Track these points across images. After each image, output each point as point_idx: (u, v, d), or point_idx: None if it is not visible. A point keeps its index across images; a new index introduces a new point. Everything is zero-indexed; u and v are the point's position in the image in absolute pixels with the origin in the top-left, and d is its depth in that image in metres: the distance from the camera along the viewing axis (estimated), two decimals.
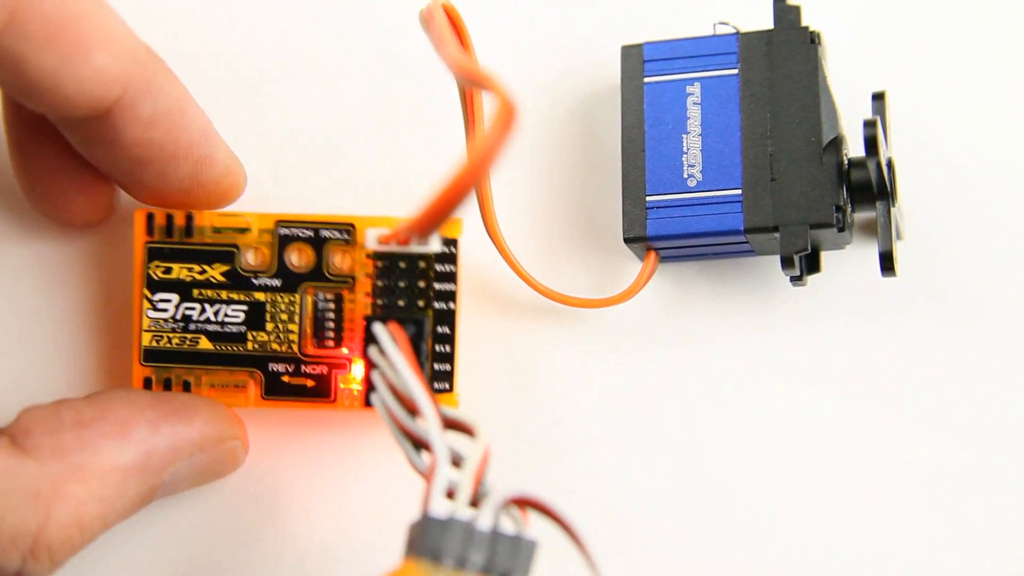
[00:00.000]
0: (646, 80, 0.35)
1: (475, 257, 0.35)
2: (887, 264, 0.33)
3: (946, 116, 0.36)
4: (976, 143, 0.36)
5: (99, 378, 0.35)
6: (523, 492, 0.27)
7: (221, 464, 0.33)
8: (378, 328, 0.31)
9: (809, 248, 0.33)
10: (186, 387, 0.32)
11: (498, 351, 0.36)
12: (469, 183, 0.24)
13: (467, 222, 0.35)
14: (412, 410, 0.29)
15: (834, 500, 0.34)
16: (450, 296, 0.32)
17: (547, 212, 0.36)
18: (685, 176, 0.34)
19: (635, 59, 0.35)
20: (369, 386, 0.30)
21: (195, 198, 0.32)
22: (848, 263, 0.35)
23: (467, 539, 0.26)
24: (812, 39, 0.34)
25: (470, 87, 0.32)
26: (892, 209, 0.33)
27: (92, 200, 0.33)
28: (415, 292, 0.32)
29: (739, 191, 0.33)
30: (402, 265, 0.32)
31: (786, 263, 0.33)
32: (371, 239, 0.31)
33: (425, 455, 0.28)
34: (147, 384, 0.33)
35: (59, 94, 0.28)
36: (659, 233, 0.34)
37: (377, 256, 0.32)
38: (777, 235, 0.33)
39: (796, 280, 0.33)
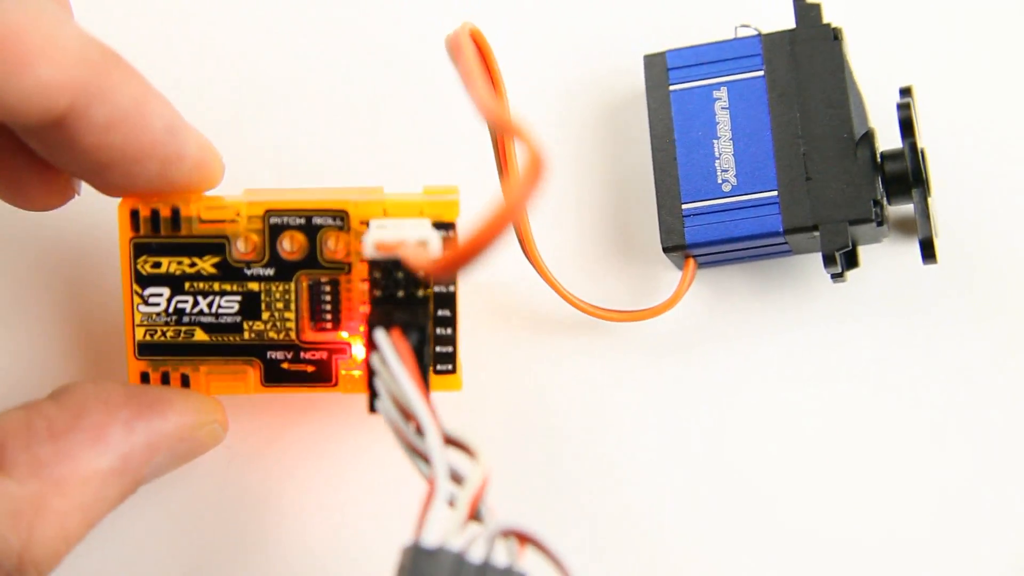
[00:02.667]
0: (671, 88, 0.34)
1: (509, 272, 0.35)
2: (928, 251, 0.33)
3: (971, 108, 0.36)
4: (1004, 135, 0.36)
5: (94, 371, 0.35)
6: (515, 525, 0.26)
7: (201, 447, 0.33)
8: (380, 336, 0.29)
9: (850, 245, 0.33)
10: (184, 379, 0.32)
11: (532, 366, 0.35)
12: (498, 231, 0.24)
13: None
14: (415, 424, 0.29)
15: (884, 499, 0.34)
16: (450, 278, 0.31)
17: (578, 224, 0.36)
18: (719, 181, 0.34)
19: (659, 68, 0.35)
20: (372, 392, 0.29)
21: (167, 192, 0.31)
22: (885, 256, 0.35)
23: (456, 570, 0.26)
24: (835, 35, 0.34)
25: (499, 133, 0.32)
26: (928, 200, 0.33)
27: (50, 185, 0.32)
28: (414, 280, 0.31)
29: (775, 192, 0.33)
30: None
31: (828, 261, 0.33)
32: (369, 246, 0.30)
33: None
34: (144, 378, 0.32)
35: (4, 108, 0.27)
36: (697, 240, 0.34)
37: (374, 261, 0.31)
38: (816, 234, 0.33)
39: (837, 277, 0.33)
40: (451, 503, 0.27)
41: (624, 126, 0.37)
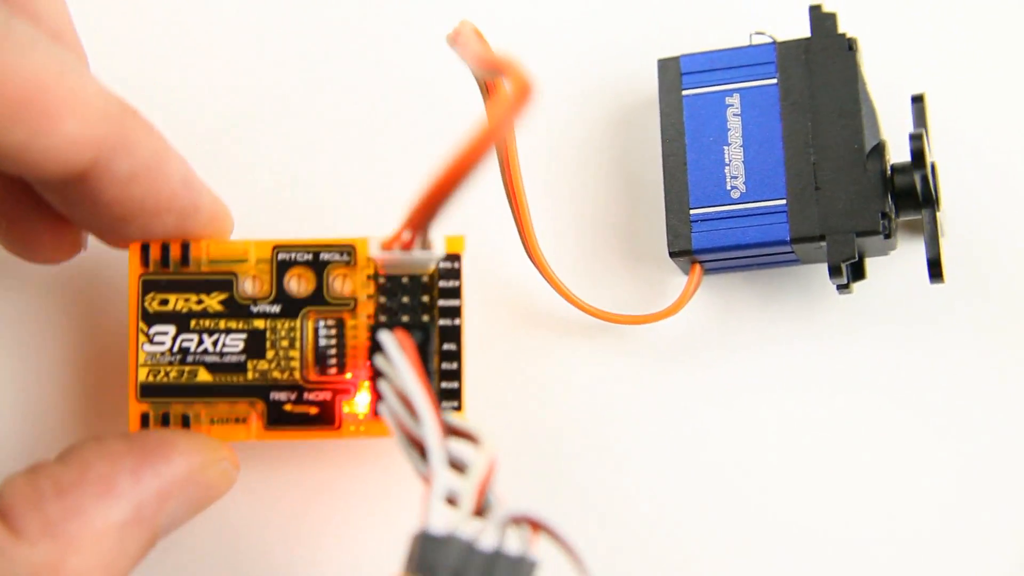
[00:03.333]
0: (684, 93, 0.34)
1: (514, 275, 0.35)
2: (935, 271, 0.33)
3: (983, 117, 0.36)
4: (1014, 144, 0.36)
5: (94, 416, 0.35)
6: (525, 511, 0.26)
7: (214, 489, 0.32)
8: (384, 335, 0.30)
9: (856, 256, 0.33)
10: (184, 421, 0.32)
11: (538, 369, 0.35)
12: (472, 161, 0.23)
13: (506, 239, 0.35)
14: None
15: (888, 510, 0.34)
16: (455, 312, 0.31)
17: (585, 227, 0.36)
18: (728, 188, 0.34)
19: (672, 72, 0.35)
20: (377, 396, 0.30)
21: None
22: (892, 268, 0.35)
23: (464, 557, 0.25)
24: (850, 46, 0.34)
25: (489, 77, 0.31)
26: (938, 215, 0.33)
27: (59, 239, 0.33)
28: (419, 309, 0.31)
29: (783, 201, 0.33)
30: (405, 281, 0.32)
31: (833, 272, 0.33)
32: (373, 246, 0.29)
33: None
34: (144, 421, 0.32)
35: (28, 164, 0.27)
36: (704, 246, 0.34)
37: (379, 276, 0.31)
38: (823, 244, 0.33)
39: (843, 288, 0.33)
40: (456, 493, 0.26)
41: (635, 130, 0.37)
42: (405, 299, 0.31)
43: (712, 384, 0.35)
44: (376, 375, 0.30)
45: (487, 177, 0.33)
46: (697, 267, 0.34)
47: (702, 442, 0.35)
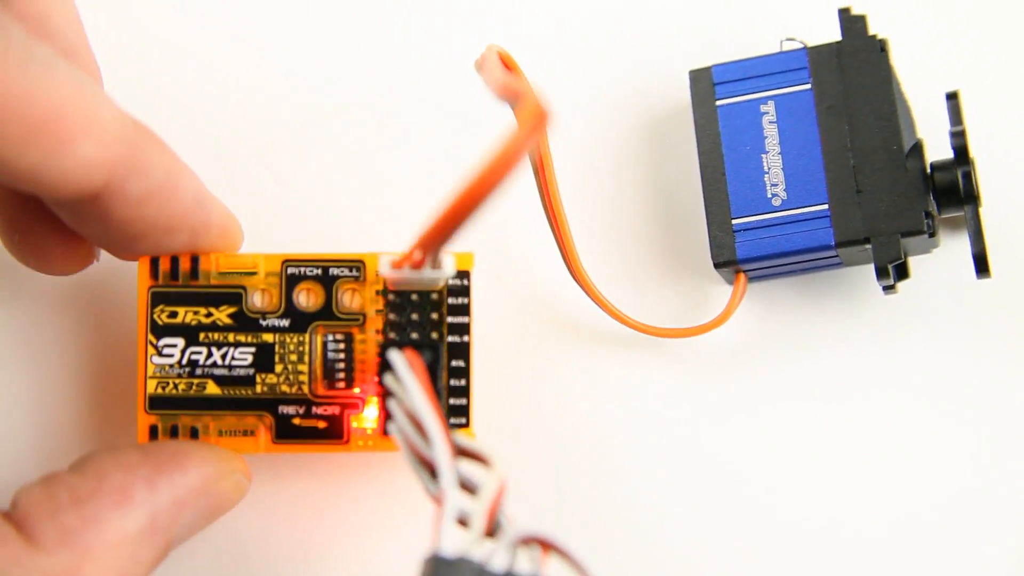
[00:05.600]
0: (718, 103, 0.34)
1: (554, 290, 0.35)
2: (982, 266, 0.33)
3: (1013, 113, 0.36)
4: None
5: (102, 427, 0.35)
6: (537, 531, 0.26)
7: (227, 500, 0.32)
8: (394, 355, 0.30)
9: (902, 256, 0.33)
10: (193, 433, 0.32)
11: (582, 384, 0.35)
12: (487, 188, 0.23)
13: (544, 254, 0.35)
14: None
15: (938, 515, 0.34)
16: (464, 329, 0.32)
17: (622, 240, 0.36)
18: (769, 196, 0.34)
19: (705, 83, 0.35)
20: (387, 415, 0.30)
21: None
22: (935, 265, 0.35)
23: None
24: (881, 47, 0.34)
25: (510, 103, 0.32)
26: (980, 210, 0.33)
27: (71, 251, 0.33)
28: (428, 325, 0.31)
29: (826, 206, 0.33)
30: (414, 298, 0.32)
31: (880, 273, 0.33)
32: (383, 264, 0.30)
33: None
34: (153, 432, 0.32)
35: (42, 184, 0.28)
36: (749, 255, 0.34)
37: (388, 292, 0.31)
38: (868, 246, 0.33)
39: (889, 289, 0.33)
40: (467, 514, 0.27)
41: (668, 140, 0.36)
42: (414, 316, 0.31)
43: (758, 392, 0.35)
44: (386, 394, 0.30)
45: (523, 189, 0.34)
46: (742, 276, 0.34)
47: (750, 454, 0.35)
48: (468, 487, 0.27)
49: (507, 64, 0.32)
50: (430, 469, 0.28)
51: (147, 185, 0.29)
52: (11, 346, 0.36)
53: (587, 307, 0.35)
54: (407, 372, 0.29)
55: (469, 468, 0.27)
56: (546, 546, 0.26)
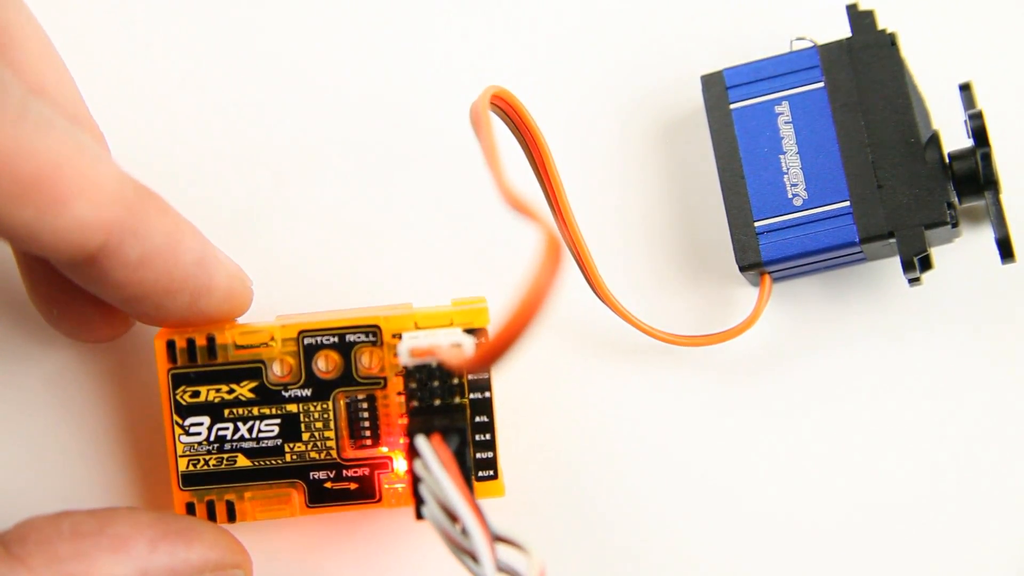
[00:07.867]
0: (732, 106, 0.34)
1: (576, 304, 0.35)
2: (1006, 251, 0.33)
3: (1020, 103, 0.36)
4: None
5: (138, 504, 0.35)
6: None
7: None
8: (421, 443, 0.30)
9: (927, 249, 0.33)
10: (229, 507, 0.32)
11: (609, 398, 0.35)
12: (528, 319, 0.24)
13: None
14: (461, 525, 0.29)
15: (977, 511, 0.34)
16: (485, 386, 0.32)
17: (639, 248, 0.36)
18: (790, 196, 0.34)
19: (717, 87, 0.35)
20: (418, 499, 0.30)
21: (197, 322, 0.32)
22: (956, 255, 0.35)
23: None
24: (892, 41, 0.34)
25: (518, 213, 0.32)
26: (1000, 196, 0.33)
27: (110, 318, 0.33)
28: (449, 388, 0.32)
29: (847, 203, 0.33)
30: (433, 363, 0.31)
31: (907, 266, 0.33)
32: (404, 354, 0.30)
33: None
34: (190, 509, 0.32)
35: (36, 243, 0.27)
36: (774, 257, 0.34)
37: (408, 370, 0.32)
38: (892, 241, 0.33)
39: (914, 281, 0.33)
40: None
41: (679, 144, 0.36)
42: (435, 383, 0.31)
43: (797, 393, 0.35)
44: (416, 479, 0.30)
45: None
46: (767, 278, 0.34)
47: (778, 460, 0.35)
48: (506, 571, 0.28)
49: (509, 105, 0.33)
50: (470, 555, 0.29)
51: (145, 248, 0.29)
52: (48, 394, 0.35)
53: (611, 321, 0.35)
54: (436, 465, 0.29)
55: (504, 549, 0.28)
56: None
